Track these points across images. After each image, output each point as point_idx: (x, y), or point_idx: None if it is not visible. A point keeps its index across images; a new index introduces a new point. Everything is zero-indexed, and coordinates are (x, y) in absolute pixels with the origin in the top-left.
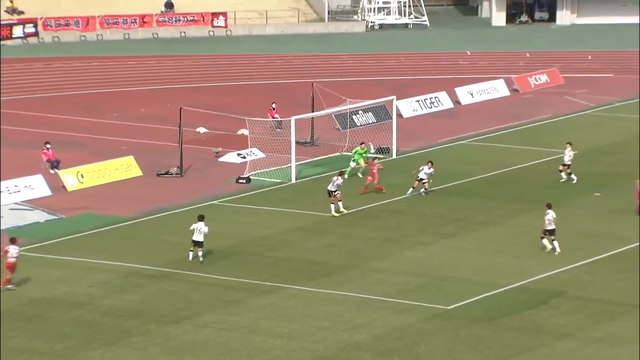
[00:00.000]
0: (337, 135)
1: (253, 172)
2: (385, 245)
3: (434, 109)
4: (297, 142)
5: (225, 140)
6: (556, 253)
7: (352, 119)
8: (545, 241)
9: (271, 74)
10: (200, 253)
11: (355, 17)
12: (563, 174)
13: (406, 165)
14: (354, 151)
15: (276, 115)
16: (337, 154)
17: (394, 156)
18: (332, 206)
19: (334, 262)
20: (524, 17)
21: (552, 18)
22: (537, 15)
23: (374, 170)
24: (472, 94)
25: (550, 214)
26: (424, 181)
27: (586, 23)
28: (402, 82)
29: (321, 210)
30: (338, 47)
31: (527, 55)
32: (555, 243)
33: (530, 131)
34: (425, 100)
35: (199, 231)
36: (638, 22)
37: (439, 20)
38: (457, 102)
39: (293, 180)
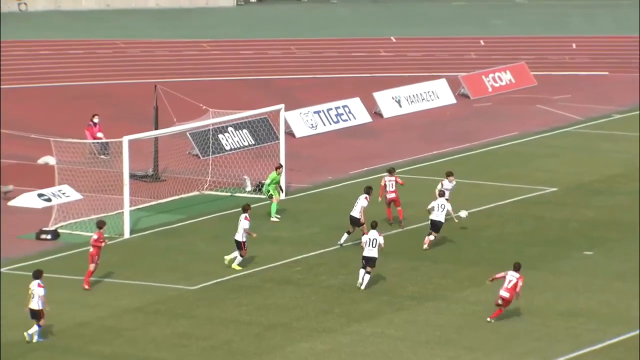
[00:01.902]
0: (194, 165)
1: (63, 223)
2: (270, 335)
3: (342, 125)
4: (132, 176)
5: (19, 173)
6: (362, 288)
7: (217, 139)
8: (363, 273)
9: (91, 70)
10: (34, 329)
11: None
12: None
13: (300, 209)
14: (269, 179)
15: (99, 135)
16: (196, 193)
17: (283, 196)
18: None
19: None
20: None
21: None
22: None
23: (101, 243)
24: (399, 102)
25: (373, 234)
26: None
27: None
28: (294, 84)
29: (172, 281)
30: (194, 29)
31: (482, 43)
32: (367, 277)
33: (486, 158)
34: (329, 111)
35: (32, 295)
36: None
37: None
38: (377, 113)
39: (126, 235)
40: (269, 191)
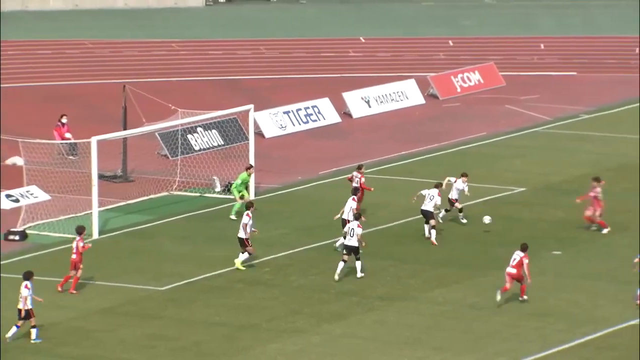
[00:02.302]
0: (163, 166)
1: (31, 224)
2: (240, 335)
3: (311, 125)
4: (100, 177)
5: None
6: (359, 276)
7: (186, 140)
8: (341, 266)
9: (59, 70)
10: (34, 331)
11: None
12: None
13: (270, 210)
14: (239, 179)
15: (67, 135)
16: (165, 193)
17: (252, 196)
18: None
19: None
20: None
21: None
22: None
23: (81, 248)
24: (368, 102)
25: (353, 224)
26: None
27: None
28: (263, 84)
29: (142, 281)
30: (163, 29)
31: (450, 43)
32: (359, 264)
33: (455, 158)
34: (298, 111)
35: (21, 296)
36: None
37: None
38: (346, 113)
39: (95, 236)
40: (240, 191)
